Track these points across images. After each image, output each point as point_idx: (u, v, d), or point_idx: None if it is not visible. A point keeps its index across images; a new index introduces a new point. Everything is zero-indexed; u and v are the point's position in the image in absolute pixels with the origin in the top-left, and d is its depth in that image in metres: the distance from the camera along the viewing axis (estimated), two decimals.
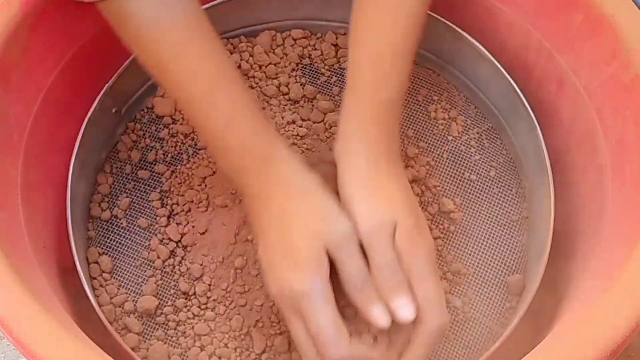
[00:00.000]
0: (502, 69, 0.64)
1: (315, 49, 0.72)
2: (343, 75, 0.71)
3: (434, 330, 0.50)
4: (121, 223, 0.64)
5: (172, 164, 0.66)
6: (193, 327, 0.59)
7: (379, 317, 0.49)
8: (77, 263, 0.56)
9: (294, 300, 0.49)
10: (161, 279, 0.61)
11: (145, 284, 0.61)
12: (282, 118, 0.67)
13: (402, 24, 0.53)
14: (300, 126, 0.67)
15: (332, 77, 0.71)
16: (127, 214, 0.64)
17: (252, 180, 0.52)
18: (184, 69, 0.51)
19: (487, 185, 0.66)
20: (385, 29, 0.53)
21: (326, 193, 0.51)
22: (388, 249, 0.50)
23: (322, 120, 0.68)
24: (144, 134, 0.68)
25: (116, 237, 0.63)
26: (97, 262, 0.62)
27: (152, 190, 0.65)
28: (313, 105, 0.68)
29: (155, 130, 0.68)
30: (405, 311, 0.49)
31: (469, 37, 0.65)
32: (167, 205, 0.64)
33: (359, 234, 0.50)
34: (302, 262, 0.49)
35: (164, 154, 0.67)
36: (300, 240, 0.50)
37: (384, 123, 0.53)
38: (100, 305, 0.59)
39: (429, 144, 0.67)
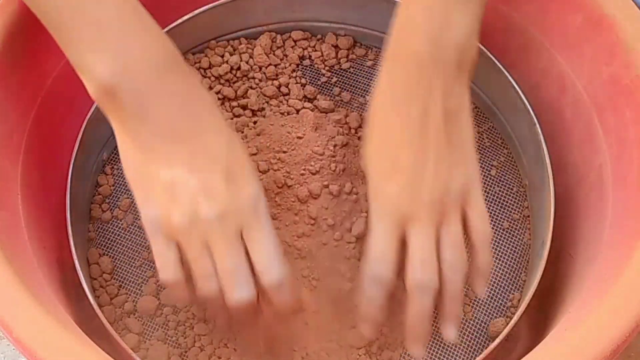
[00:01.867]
0: (503, 69, 0.64)
1: (316, 50, 0.72)
2: (343, 76, 0.71)
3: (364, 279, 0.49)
4: (121, 224, 0.64)
5: None
6: (193, 327, 0.59)
7: None
8: (77, 263, 0.56)
9: (245, 215, 0.46)
10: None
11: (145, 284, 0.61)
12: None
13: None
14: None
15: (332, 78, 0.71)
16: (127, 215, 0.64)
17: (166, 101, 0.46)
18: None
19: (487, 185, 0.66)
20: None
21: (229, 128, 0.48)
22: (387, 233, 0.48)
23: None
24: None
25: (116, 238, 0.63)
26: (97, 263, 0.62)
27: None
28: (315, 106, 0.69)
29: None
30: None
31: None
32: None
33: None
34: (245, 173, 0.47)
35: None
36: (240, 152, 0.47)
37: (410, 52, 0.48)
38: (100, 306, 0.59)
39: None
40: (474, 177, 0.49)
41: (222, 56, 0.70)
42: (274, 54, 0.71)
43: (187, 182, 0.45)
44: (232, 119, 0.68)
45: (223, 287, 0.47)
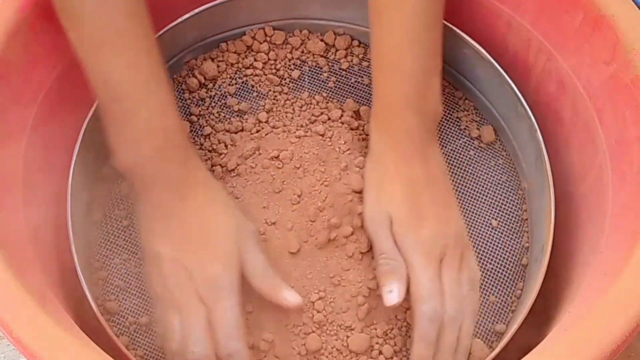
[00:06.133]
0: (502, 70, 0.64)
1: (315, 48, 0.72)
2: (342, 75, 0.71)
3: (423, 317, 0.54)
4: (122, 223, 0.64)
5: None
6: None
7: (288, 297, 0.54)
8: (77, 263, 0.56)
9: (204, 286, 0.53)
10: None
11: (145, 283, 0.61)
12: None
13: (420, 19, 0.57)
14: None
15: (331, 77, 0.71)
16: (127, 214, 0.64)
17: (165, 180, 0.56)
18: (113, 60, 0.53)
19: (486, 187, 0.65)
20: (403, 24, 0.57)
21: (233, 201, 0.60)
22: (382, 238, 0.57)
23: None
24: None
25: (116, 240, 0.63)
26: (97, 264, 0.62)
27: None
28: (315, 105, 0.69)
29: None
30: (390, 296, 0.54)
31: (468, 38, 0.65)
32: None
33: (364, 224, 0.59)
34: (220, 253, 0.55)
35: None
36: (222, 234, 0.55)
37: (402, 124, 0.58)
38: (99, 306, 0.59)
39: None
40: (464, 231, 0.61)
41: (224, 54, 0.71)
42: (273, 51, 0.71)
43: (167, 259, 0.56)
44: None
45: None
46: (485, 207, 0.65)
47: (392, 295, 0.54)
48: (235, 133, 0.66)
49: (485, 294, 0.61)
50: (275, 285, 0.55)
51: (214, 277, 0.54)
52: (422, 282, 0.55)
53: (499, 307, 0.60)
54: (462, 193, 0.65)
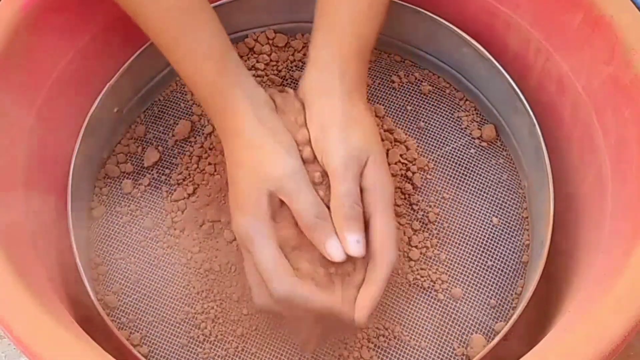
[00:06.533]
0: (502, 69, 0.64)
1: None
2: None
3: (390, 265, 0.52)
4: (122, 219, 0.64)
5: (173, 164, 0.66)
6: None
7: (334, 252, 0.51)
8: (79, 263, 0.56)
9: (242, 241, 0.53)
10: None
11: (146, 282, 0.61)
12: None
13: None
14: None
15: None
16: (128, 211, 0.64)
17: (217, 126, 0.57)
18: (159, 10, 0.54)
19: (486, 186, 0.66)
20: None
21: (277, 137, 0.54)
22: (352, 180, 0.52)
23: None
24: (145, 134, 0.68)
25: (117, 237, 0.63)
26: (98, 262, 0.62)
27: (153, 190, 0.65)
28: None
29: (157, 130, 0.68)
30: (358, 247, 0.51)
31: (469, 38, 0.65)
32: (168, 204, 0.64)
33: (330, 166, 0.52)
34: (244, 206, 0.53)
35: (165, 154, 0.67)
36: (245, 187, 0.53)
37: (359, 60, 0.55)
38: (100, 304, 0.59)
39: (428, 144, 0.67)
40: None
41: None
42: (275, 54, 0.71)
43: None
44: None
45: None
46: (486, 205, 0.65)
47: (360, 245, 0.51)
48: None
49: (487, 291, 0.61)
50: (321, 232, 0.52)
51: (245, 229, 0.52)
52: (393, 231, 0.52)
53: (500, 304, 0.61)
54: (464, 191, 0.65)
